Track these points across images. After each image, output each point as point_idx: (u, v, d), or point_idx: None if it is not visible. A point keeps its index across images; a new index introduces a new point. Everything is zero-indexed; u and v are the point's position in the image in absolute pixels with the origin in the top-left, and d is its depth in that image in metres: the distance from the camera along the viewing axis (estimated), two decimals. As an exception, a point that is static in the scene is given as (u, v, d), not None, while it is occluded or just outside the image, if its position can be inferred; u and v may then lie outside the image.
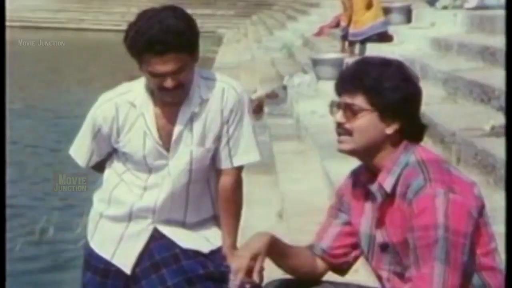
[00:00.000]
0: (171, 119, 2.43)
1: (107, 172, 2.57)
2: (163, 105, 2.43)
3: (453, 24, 8.01)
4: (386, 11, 10.11)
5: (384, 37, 9.56)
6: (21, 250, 5.65)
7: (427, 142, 5.07)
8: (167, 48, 2.27)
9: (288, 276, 2.20)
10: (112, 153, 2.56)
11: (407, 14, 10.56)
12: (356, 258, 2.20)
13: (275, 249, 2.09)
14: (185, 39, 2.29)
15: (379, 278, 2.11)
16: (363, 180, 2.08)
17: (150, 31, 2.26)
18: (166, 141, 2.45)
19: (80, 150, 2.57)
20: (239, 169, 2.54)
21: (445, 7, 9.22)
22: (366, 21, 9.62)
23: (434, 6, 9.58)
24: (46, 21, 28.79)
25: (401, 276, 2.01)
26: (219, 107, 2.44)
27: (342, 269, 2.20)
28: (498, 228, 3.03)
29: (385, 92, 1.97)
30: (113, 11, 31.03)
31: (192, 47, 2.33)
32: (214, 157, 2.51)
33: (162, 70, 2.29)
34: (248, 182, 5.15)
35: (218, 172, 2.52)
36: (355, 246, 2.16)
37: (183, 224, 2.53)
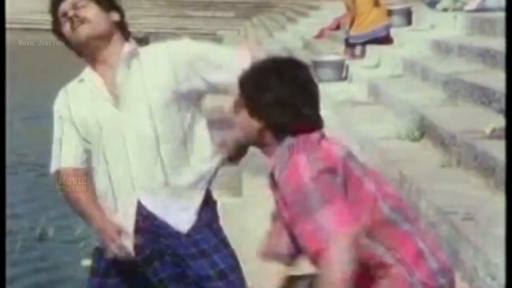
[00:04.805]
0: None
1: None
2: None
3: (454, 26, 8.01)
4: (387, 13, 10.11)
5: (384, 39, 9.56)
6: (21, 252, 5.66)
7: (427, 144, 5.10)
8: None
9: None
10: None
11: (408, 17, 10.56)
12: None
13: None
14: None
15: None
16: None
17: None
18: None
19: (66, 153, 2.54)
20: None
21: (445, 10, 9.22)
22: (369, 24, 9.61)
23: (435, 8, 9.58)
24: (46, 23, 28.83)
25: None
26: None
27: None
28: (498, 230, 3.04)
29: (252, 92, 2.12)
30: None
31: None
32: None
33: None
34: (250, 185, 5.15)
35: None
36: None
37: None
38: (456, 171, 4.26)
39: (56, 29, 2.52)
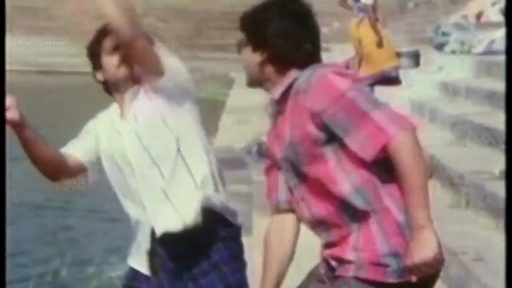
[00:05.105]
0: None
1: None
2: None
3: (461, 68, 8.02)
4: (396, 55, 10.13)
5: (393, 80, 9.55)
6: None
7: (436, 184, 5.05)
8: None
9: None
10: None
11: (416, 59, 10.59)
12: None
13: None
14: None
15: (296, 200, 2.16)
16: (267, 108, 2.22)
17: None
18: None
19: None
20: None
21: (453, 52, 9.24)
22: (378, 65, 9.61)
23: (442, 50, 9.61)
24: (62, 65, 29.12)
25: (303, 182, 2.11)
26: None
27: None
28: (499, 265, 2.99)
29: (253, 26, 2.17)
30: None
31: None
32: None
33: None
34: (260, 224, 5.10)
35: None
36: None
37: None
38: (465, 212, 4.21)
39: (95, 63, 2.58)
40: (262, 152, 8.62)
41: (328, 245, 2.15)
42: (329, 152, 2.07)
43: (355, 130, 2.00)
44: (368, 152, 2.00)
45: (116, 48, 2.51)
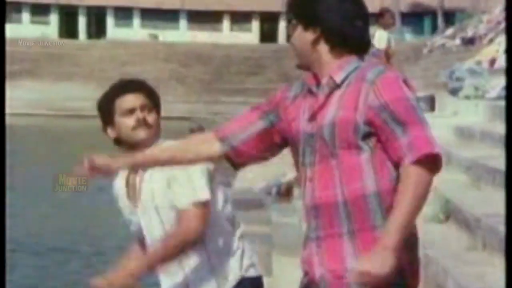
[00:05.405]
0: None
1: None
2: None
3: (475, 113, 8.02)
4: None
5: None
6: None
7: (452, 226, 5.02)
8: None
9: None
10: None
11: (431, 103, 10.62)
12: (253, 161, 2.28)
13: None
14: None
15: (304, 179, 2.17)
16: (308, 83, 2.17)
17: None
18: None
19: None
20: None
21: (467, 97, 9.26)
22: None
23: (457, 96, 9.62)
24: (89, 110, 29.46)
25: (321, 163, 2.10)
26: None
27: (235, 164, 2.27)
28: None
29: (304, 3, 2.14)
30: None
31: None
32: None
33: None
34: (280, 264, 5.08)
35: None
36: (262, 150, 2.24)
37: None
38: (481, 254, 4.17)
39: (107, 120, 2.57)
40: (281, 193, 8.62)
41: (312, 239, 2.13)
42: (365, 146, 2.06)
43: (410, 127, 2.01)
44: (413, 152, 1.99)
45: (132, 111, 2.51)
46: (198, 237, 2.43)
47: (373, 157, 2.06)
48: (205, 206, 2.44)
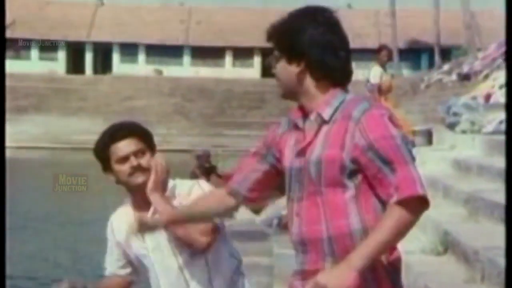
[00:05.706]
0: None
1: None
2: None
3: (472, 147, 8.01)
4: (412, 133, 10.19)
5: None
6: None
7: (450, 259, 4.98)
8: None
9: None
10: None
11: (429, 137, 10.63)
12: (268, 199, 2.28)
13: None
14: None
15: (291, 214, 2.15)
16: (294, 118, 2.15)
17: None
18: None
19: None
20: None
21: (464, 131, 9.25)
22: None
23: (454, 130, 9.62)
24: (91, 142, 29.56)
25: (308, 199, 2.08)
26: None
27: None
28: None
29: (287, 36, 2.09)
30: (154, 133, 31.70)
31: None
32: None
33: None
34: (281, 285, 5.01)
35: None
36: (272, 188, 2.27)
37: None
38: (480, 287, 4.13)
39: (105, 166, 2.57)
40: (282, 224, 8.58)
41: (299, 273, 2.12)
42: (351, 184, 2.03)
43: (397, 167, 1.98)
44: (398, 193, 1.96)
45: (126, 158, 2.51)
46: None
47: (358, 194, 2.04)
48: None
